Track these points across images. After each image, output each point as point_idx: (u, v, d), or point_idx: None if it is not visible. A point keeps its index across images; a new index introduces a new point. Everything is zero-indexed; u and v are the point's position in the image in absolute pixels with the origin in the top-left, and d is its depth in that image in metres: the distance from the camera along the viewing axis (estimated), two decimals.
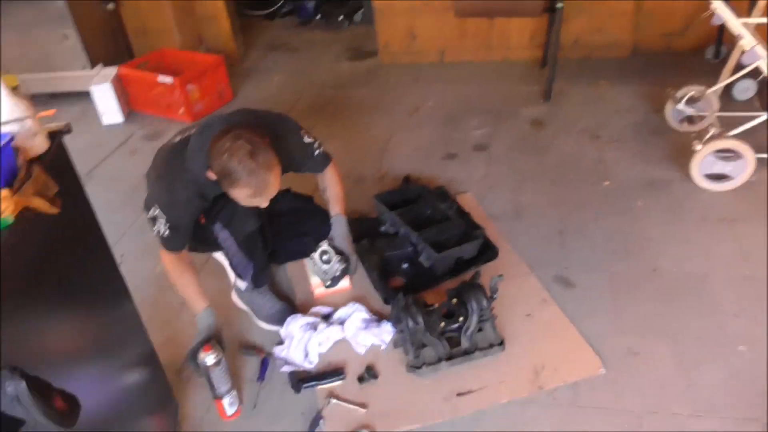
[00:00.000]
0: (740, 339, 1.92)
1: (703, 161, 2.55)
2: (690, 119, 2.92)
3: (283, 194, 2.07)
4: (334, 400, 1.83)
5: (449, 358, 1.88)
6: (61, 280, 1.24)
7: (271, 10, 5.34)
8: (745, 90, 3.15)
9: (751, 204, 2.48)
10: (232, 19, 4.34)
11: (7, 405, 0.85)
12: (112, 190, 3.04)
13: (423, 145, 3.18)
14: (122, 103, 3.78)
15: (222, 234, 1.98)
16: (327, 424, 1.77)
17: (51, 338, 1.17)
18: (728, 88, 3.05)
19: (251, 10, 5.31)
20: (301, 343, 1.98)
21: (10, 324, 1.00)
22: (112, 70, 3.80)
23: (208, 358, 1.73)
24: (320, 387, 1.88)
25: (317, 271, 2.11)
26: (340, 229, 2.15)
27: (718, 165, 2.55)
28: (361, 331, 2.01)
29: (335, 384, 1.89)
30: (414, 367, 1.87)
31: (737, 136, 2.49)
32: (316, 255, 2.08)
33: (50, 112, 1.32)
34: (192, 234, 1.95)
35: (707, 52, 3.69)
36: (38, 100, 1.28)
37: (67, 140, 1.35)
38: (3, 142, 1.10)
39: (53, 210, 1.14)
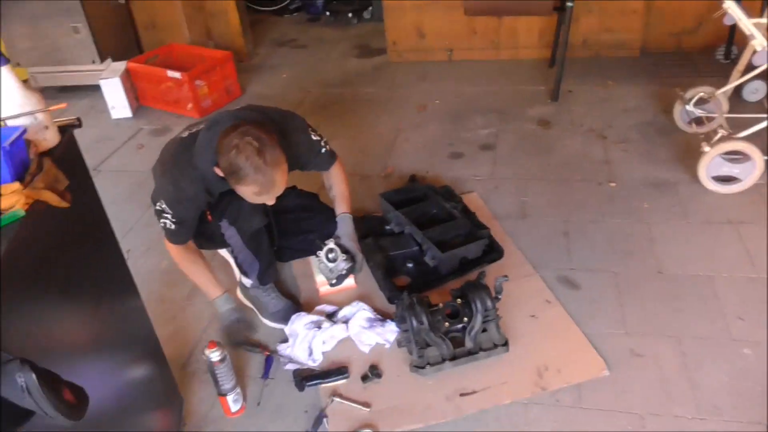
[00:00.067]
0: (745, 342, 1.91)
1: (710, 163, 2.54)
2: (698, 120, 2.90)
3: (289, 192, 2.08)
4: (337, 399, 1.84)
5: (453, 358, 1.89)
6: (70, 274, 1.25)
7: (280, 6, 5.35)
8: (756, 91, 3.14)
9: (757, 206, 2.47)
10: (241, 15, 4.34)
11: (17, 396, 0.86)
12: (119, 184, 3.06)
13: (429, 144, 3.19)
14: (131, 98, 3.79)
15: (228, 231, 1.99)
16: (330, 422, 1.78)
17: (60, 331, 1.18)
18: (738, 89, 3.04)
19: (260, 6, 5.31)
20: (305, 341, 1.98)
21: (20, 316, 1.01)
22: (121, 65, 3.82)
23: (213, 355, 1.74)
24: (324, 385, 1.89)
25: (323, 270, 2.12)
26: (346, 227, 2.15)
27: (726, 167, 2.54)
28: (365, 330, 2.02)
29: (339, 383, 1.90)
30: (417, 366, 1.88)
31: (746, 138, 2.48)
32: (322, 253, 2.09)
33: (62, 105, 1.33)
34: (198, 231, 1.96)
35: (718, 52, 3.67)
36: (47, 94, 1.29)
37: (76, 134, 1.36)
38: (15, 136, 1.11)
39: (63, 204, 1.15)
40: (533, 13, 3.52)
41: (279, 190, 1.75)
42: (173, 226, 1.87)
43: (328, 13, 5.12)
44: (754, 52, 2.59)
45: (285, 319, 2.10)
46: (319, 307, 2.17)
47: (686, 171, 2.72)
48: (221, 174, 1.72)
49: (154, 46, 4.22)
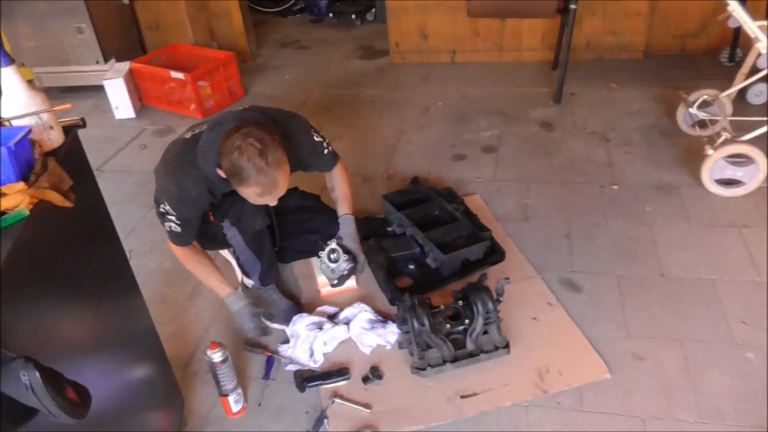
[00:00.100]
0: (748, 346, 1.91)
1: (714, 166, 2.54)
2: (702, 123, 2.90)
3: (291, 193, 2.09)
4: (338, 400, 1.84)
5: (454, 360, 1.89)
6: (73, 273, 1.25)
7: (284, 7, 5.36)
8: (760, 94, 3.14)
9: (760, 210, 2.47)
10: (244, 16, 4.35)
11: (21, 394, 0.87)
12: (122, 184, 3.07)
13: (432, 146, 3.19)
14: (134, 98, 3.80)
15: (230, 232, 2.00)
16: (331, 423, 1.78)
17: (63, 330, 1.19)
18: (742, 92, 3.04)
19: (264, 8, 5.33)
20: (306, 342, 1.99)
21: (24, 315, 1.01)
22: (125, 65, 3.83)
23: (215, 355, 1.74)
24: (325, 386, 1.89)
25: (324, 270, 2.12)
26: (348, 228, 2.15)
27: (729, 170, 2.54)
28: (366, 332, 2.02)
29: (340, 384, 1.90)
30: (418, 368, 1.88)
31: (750, 141, 2.48)
32: (323, 254, 2.09)
33: (67, 105, 1.34)
34: (200, 231, 1.96)
35: (722, 55, 3.67)
36: (51, 94, 1.29)
37: (80, 134, 1.36)
38: (20, 135, 1.12)
39: (68, 204, 1.15)
40: (536, 15, 3.52)
41: (281, 191, 1.75)
42: (178, 228, 1.87)
43: (331, 15, 5.14)
44: (759, 54, 2.59)
45: (286, 320, 2.10)
46: (320, 308, 2.17)
47: (689, 174, 2.72)
48: (224, 175, 1.72)
49: (158, 46, 4.24)
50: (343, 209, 2.17)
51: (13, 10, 3.73)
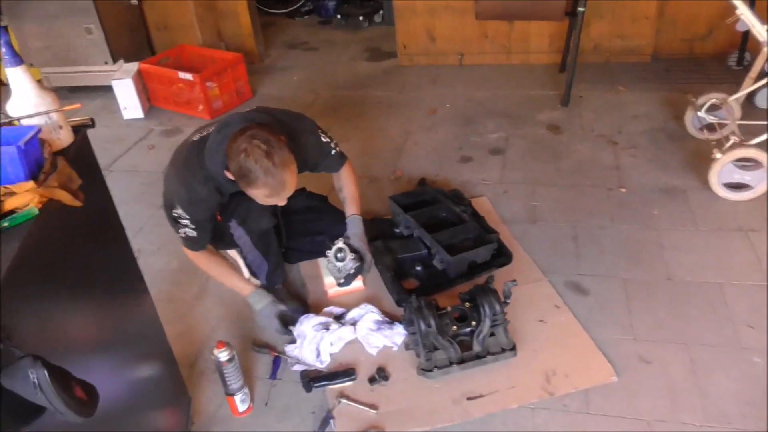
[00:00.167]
0: (754, 350, 1.90)
1: (722, 170, 2.53)
2: (710, 127, 2.89)
3: (298, 193, 2.09)
4: (344, 401, 1.84)
5: (460, 361, 1.88)
6: (81, 273, 1.26)
7: (292, 9, 5.37)
8: None
9: None
10: (252, 17, 4.37)
11: (29, 392, 0.87)
12: (130, 184, 3.08)
13: (439, 147, 3.19)
14: (143, 99, 3.82)
15: (237, 231, 2.00)
16: (337, 423, 1.78)
17: (71, 329, 1.19)
18: (751, 96, 3.02)
19: (272, 9, 5.34)
20: (313, 342, 1.99)
21: (32, 313, 1.02)
22: (133, 66, 3.85)
23: (221, 355, 1.75)
24: (331, 387, 1.90)
25: (331, 269, 2.12)
26: (355, 228, 2.15)
27: (737, 174, 2.53)
28: (372, 333, 2.02)
29: (346, 384, 1.90)
30: (425, 369, 1.88)
31: (758, 145, 2.47)
32: (330, 252, 2.09)
33: (76, 105, 1.34)
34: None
35: (730, 58, 3.65)
36: (59, 94, 1.30)
37: (88, 134, 1.37)
38: (30, 135, 1.13)
39: (76, 203, 1.16)
40: (545, 18, 3.51)
41: (290, 191, 1.76)
42: (193, 233, 1.88)
43: (339, 16, 5.14)
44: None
45: (293, 321, 2.10)
46: (327, 309, 2.17)
47: (697, 178, 2.71)
48: (232, 177, 1.72)
49: (166, 47, 4.26)
50: (351, 209, 2.18)
51: (22, 10, 3.76)
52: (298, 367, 1.97)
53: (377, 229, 2.47)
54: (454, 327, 1.90)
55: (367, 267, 2.13)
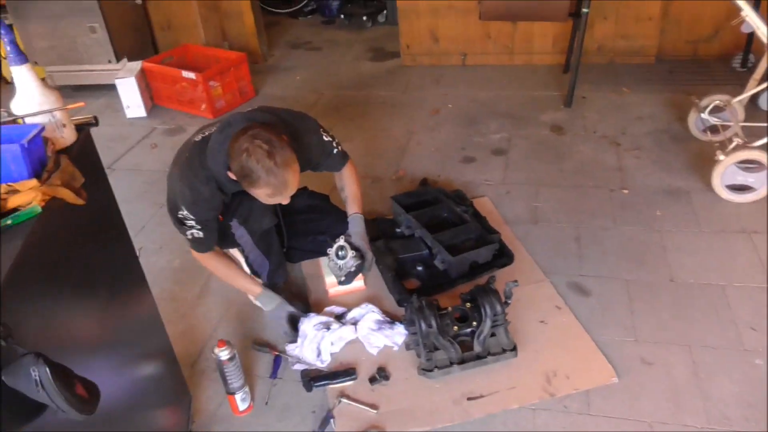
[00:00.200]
0: (757, 352, 1.90)
1: (725, 171, 2.52)
2: (714, 128, 2.88)
3: (300, 192, 2.09)
4: (344, 400, 1.84)
5: (461, 362, 1.88)
6: (83, 271, 1.26)
7: (295, 8, 5.38)
8: None
9: None
10: (256, 17, 4.37)
11: (30, 390, 0.87)
12: (132, 183, 3.09)
13: (441, 148, 3.19)
14: (146, 98, 3.83)
15: (238, 231, 2.01)
16: (337, 423, 1.78)
17: (73, 327, 1.19)
18: (755, 97, 3.02)
19: (275, 9, 5.35)
20: (313, 341, 1.99)
21: (34, 311, 1.02)
22: (136, 65, 3.86)
23: (222, 354, 1.75)
24: (331, 386, 1.90)
25: (332, 267, 2.12)
26: (357, 226, 2.16)
27: (740, 176, 2.52)
28: (373, 332, 2.02)
29: (346, 384, 1.90)
30: (425, 369, 1.88)
31: (761, 147, 2.46)
32: (332, 250, 2.09)
33: (80, 104, 1.35)
34: None
35: (734, 60, 3.65)
36: (63, 92, 1.30)
37: (91, 133, 1.37)
38: (33, 133, 1.13)
39: (79, 201, 1.16)
40: (548, 18, 3.51)
41: (292, 190, 1.76)
42: (200, 234, 1.88)
43: (342, 16, 5.15)
44: None
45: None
46: (328, 308, 2.17)
47: (700, 179, 2.71)
48: (234, 177, 1.73)
49: (170, 46, 4.27)
50: (353, 208, 2.18)
51: (26, 9, 3.78)
52: (298, 367, 1.97)
53: (379, 228, 2.47)
54: (455, 327, 1.90)
55: (368, 265, 2.13)
